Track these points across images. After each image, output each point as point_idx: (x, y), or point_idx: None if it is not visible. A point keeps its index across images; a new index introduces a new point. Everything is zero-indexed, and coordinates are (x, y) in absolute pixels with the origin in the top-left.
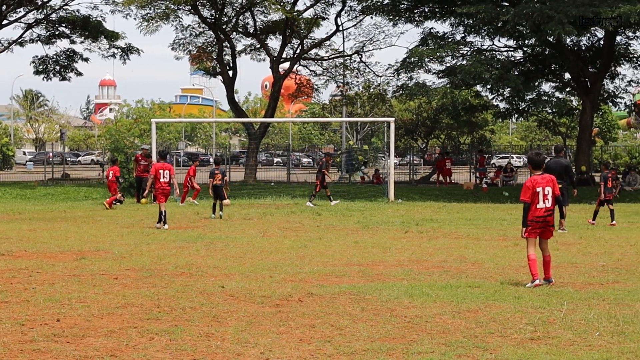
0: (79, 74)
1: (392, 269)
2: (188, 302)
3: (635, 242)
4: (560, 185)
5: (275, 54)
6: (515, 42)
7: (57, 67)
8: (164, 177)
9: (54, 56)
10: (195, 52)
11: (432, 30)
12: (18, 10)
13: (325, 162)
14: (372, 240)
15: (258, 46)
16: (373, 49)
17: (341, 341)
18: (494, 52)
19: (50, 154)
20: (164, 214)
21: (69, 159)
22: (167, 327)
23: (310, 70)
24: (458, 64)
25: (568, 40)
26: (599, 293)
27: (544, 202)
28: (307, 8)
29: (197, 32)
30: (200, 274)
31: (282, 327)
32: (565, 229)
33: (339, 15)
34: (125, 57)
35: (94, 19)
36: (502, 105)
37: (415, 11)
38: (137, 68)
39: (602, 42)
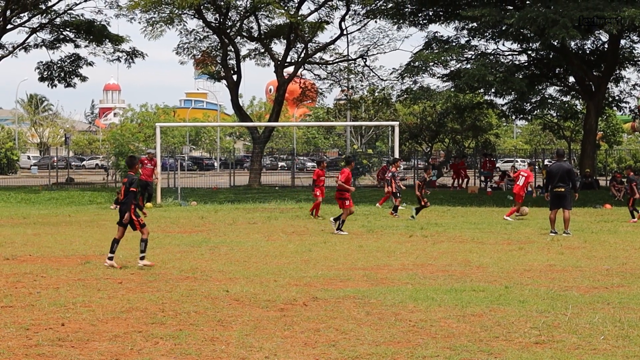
0: (84, 79)
1: (396, 273)
2: (192, 306)
3: None
4: (563, 189)
5: (280, 58)
6: (519, 45)
7: (62, 73)
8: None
9: (59, 62)
10: (199, 56)
11: (436, 34)
12: (22, 14)
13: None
14: (377, 244)
15: (262, 50)
16: (377, 53)
17: (346, 345)
18: (498, 56)
19: (55, 159)
20: None
21: (74, 163)
22: (171, 332)
23: (315, 74)
24: (462, 67)
25: (572, 44)
26: (604, 297)
27: None
28: (312, 12)
29: (202, 37)
30: (205, 278)
31: (287, 331)
32: (570, 232)
33: (343, 19)
34: (130, 61)
35: (98, 23)
36: (506, 107)
37: (420, 15)
38: (141, 72)
39: (606, 45)
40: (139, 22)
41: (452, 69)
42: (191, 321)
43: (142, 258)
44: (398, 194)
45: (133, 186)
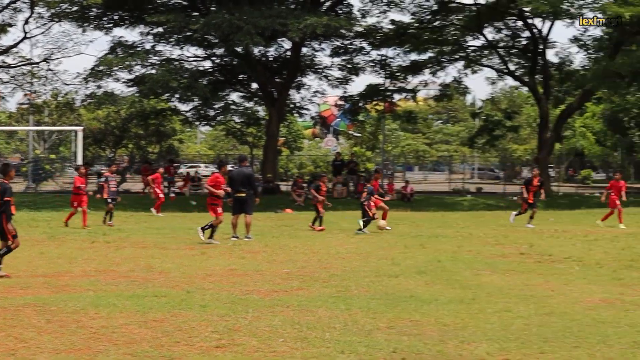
0: None
1: (78, 280)
2: None
3: (318, 250)
4: (244, 194)
5: None
6: (204, 51)
7: None
8: None
9: None
10: None
11: (121, 39)
12: None
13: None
14: (58, 251)
15: None
16: (62, 57)
17: (25, 354)
18: (183, 62)
19: None
20: None
21: None
22: None
23: None
24: (147, 73)
25: (256, 50)
26: (283, 300)
27: None
28: None
29: None
30: None
31: None
32: (251, 236)
33: (26, 22)
34: None
35: None
36: (190, 114)
37: (105, 18)
38: None
39: (289, 53)
40: None
41: (137, 74)
42: None
43: None
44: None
45: (6, 195)
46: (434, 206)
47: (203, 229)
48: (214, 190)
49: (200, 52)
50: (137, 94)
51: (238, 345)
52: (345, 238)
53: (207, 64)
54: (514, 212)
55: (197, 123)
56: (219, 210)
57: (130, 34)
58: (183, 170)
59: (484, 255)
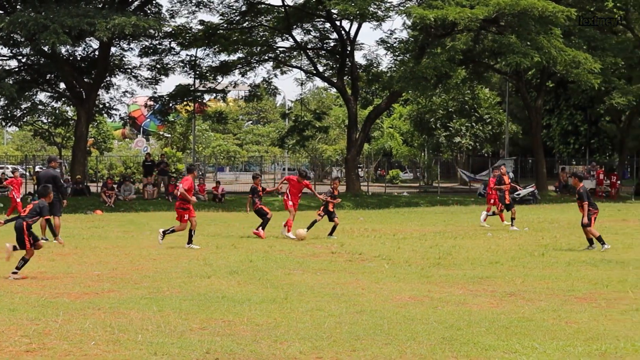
0: None
1: None
2: None
3: (130, 252)
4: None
5: None
6: (9, 50)
7: None
8: None
9: None
10: None
11: None
12: None
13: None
14: None
15: None
16: None
17: None
18: None
19: None
20: None
21: None
22: None
23: None
24: None
25: (63, 50)
26: (95, 302)
27: None
28: None
29: None
30: None
31: None
32: (62, 241)
33: None
34: None
35: None
36: None
37: None
38: None
39: (97, 52)
40: None
41: None
42: None
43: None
44: None
45: None
46: (245, 207)
47: (165, 232)
48: (188, 197)
49: (5, 51)
50: None
51: (49, 349)
52: (157, 239)
53: (13, 63)
54: (485, 212)
55: (3, 124)
56: (185, 217)
57: None
58: None
59: (295, 254)
